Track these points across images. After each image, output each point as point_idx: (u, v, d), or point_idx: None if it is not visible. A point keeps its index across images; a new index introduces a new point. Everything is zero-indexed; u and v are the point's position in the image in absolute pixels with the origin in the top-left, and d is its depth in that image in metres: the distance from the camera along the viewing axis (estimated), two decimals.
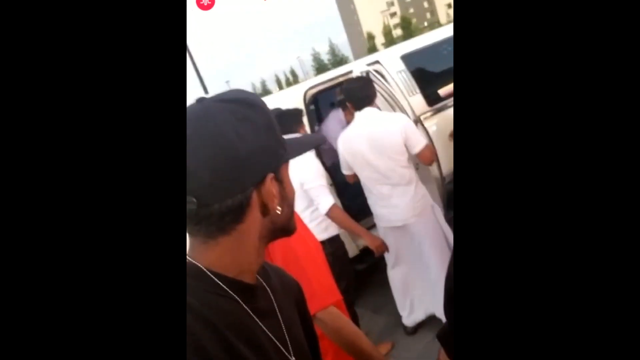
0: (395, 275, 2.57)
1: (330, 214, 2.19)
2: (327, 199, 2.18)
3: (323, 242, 2.17)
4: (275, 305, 0.68)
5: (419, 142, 2.29)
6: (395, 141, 2.25)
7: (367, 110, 2.36)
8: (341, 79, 3.33)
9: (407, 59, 3.34)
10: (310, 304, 0.82)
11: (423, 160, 2.36)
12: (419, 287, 2.50)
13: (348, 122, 2.65)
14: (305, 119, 2.68)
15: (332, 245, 2.24)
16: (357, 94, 2.38)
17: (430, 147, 2.32)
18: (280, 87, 65.52)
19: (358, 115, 2.37)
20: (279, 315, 0.67)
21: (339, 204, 2.93)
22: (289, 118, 2.29)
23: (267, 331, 0.63)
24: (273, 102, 3.14)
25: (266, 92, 67.30)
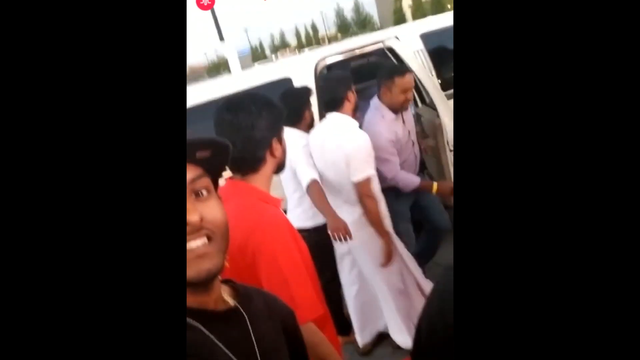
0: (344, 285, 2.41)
1: (308, 190, 2.07)
2: (307, 173, 2.04)
3: (309, 230, 2.12)
4: (251, 332, 0.66)
5: (360, 171, 1.98)
6: (343, 160, 2.01)
7: (332, 117, 2.09)
8: (357, 51, 3.22)
9: (427, 38, 3.21)
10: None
11: (358, 192, 2.02)
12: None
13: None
14: (314, 98, 2.51)
15: (318, 235, 2.13)
16: (325, 95, 2.11)
17: (370, 181, 2.01)
18: (299, 41, 63.84)
19: (325, 119, 2.15)
20: (254, 342, 0.65)
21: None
22: (292, 100, 2.14)
23: (234, 358, 0.61)
24: (280, 70, 3.05)
25: (284, 44, 65.63)
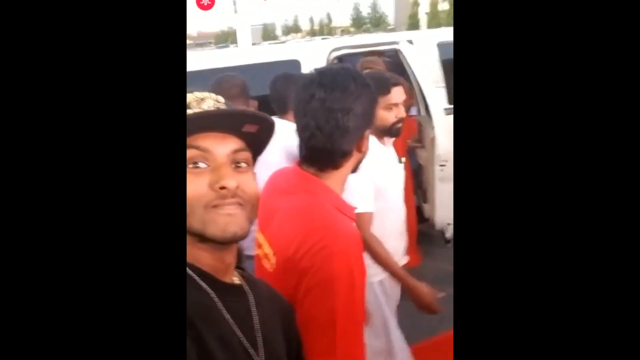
0: None
1: None
2: None
3: None
4: (253, 311, 0.67)
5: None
6: None
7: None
8: (373, 48, 3.17)
9: (443, 48, 3.17)
10: None
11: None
12: None
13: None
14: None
15: None
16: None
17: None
18: (312, 28, 63.27)
19: None
20: (255, 321, 0.66)
21: None
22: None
23: (237, 330, 0.63)
24: (290, 52, 2.98)
25: (297, 28, 65.05)
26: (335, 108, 0.87)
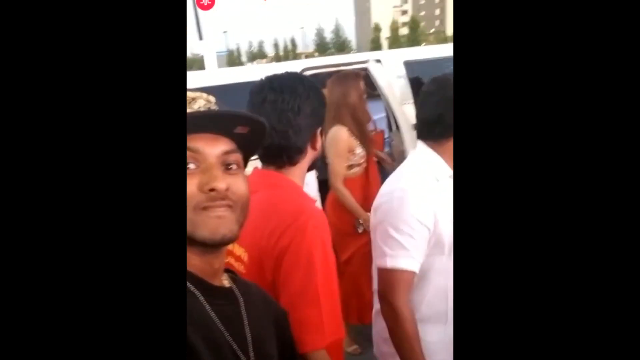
0: None
1: None
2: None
3: None
4: (243, 315, 0.66)
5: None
6: None
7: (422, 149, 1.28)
8: (344, 67, 3.23)
9: (410, 66, 3.27)
10: (313, 339, 0.82)
11: None
12: None
13: None
14: None
15: None
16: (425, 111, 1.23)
17: None
18: (277, 54, 64.14)
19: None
20: (245, 325, 0.65)
21: None
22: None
23: (226, 334, 0.62)
24: (260, 73, 2.99)
25: (262, 54, 65.76)
26: (286, 108, 0.94)
